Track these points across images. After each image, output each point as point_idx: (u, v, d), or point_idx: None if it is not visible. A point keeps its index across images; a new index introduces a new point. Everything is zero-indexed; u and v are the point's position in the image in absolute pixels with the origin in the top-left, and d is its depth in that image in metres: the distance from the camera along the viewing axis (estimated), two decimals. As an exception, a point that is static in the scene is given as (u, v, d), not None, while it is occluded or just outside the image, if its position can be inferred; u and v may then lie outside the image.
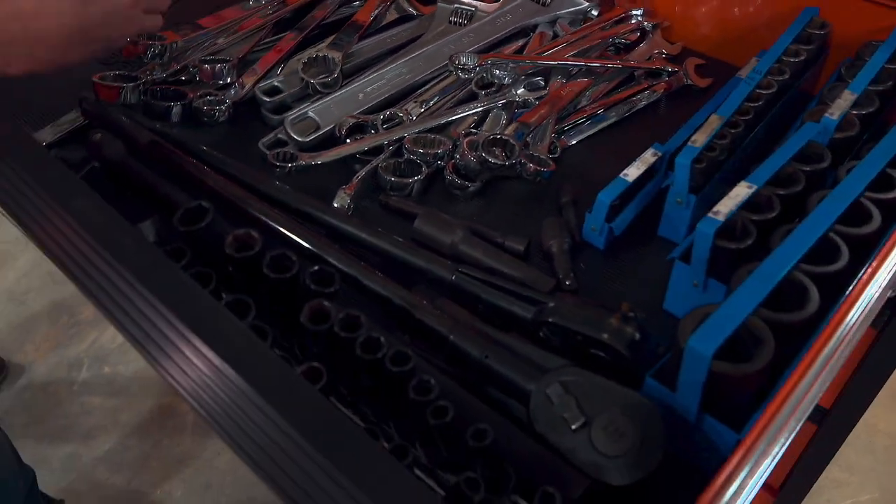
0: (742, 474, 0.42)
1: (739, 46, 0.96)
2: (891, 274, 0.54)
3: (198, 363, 0.44)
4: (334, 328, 0.52)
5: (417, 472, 0.48)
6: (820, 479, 1.63)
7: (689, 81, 0.92)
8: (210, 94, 0.85)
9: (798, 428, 0.55)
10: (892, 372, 1.03)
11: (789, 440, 0.55)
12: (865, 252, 0.58)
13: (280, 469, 0.43)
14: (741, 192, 0.61)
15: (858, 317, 0.50)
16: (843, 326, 0.49)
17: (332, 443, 0.41)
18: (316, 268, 0.56)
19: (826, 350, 0.48)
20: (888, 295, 0.67)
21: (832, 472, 1.69)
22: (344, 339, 0.51)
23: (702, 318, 0.50)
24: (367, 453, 0.41)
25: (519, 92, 0.85)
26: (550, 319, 0.58)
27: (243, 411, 0.42)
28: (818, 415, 1.16)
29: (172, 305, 0.48)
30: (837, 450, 1.17)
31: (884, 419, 1.80)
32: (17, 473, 1.29)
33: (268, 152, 0.77)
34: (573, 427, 0.50)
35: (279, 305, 0.56)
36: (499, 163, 0.73)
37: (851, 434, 1.85)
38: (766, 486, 1.25)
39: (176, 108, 0.85)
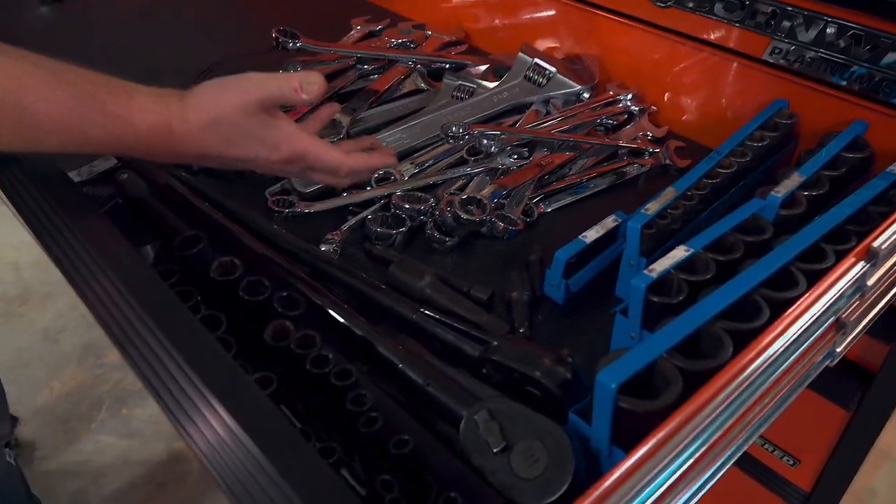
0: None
1: (721, 133, 1.02)
2: (801, 332, 0.59)
3: (160, 354, 0.51)
4: (291, 346, 0.58)
5: (344, 472, 0.53)
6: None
7: (668, 161, 0.99)
8: (228, 147, 0.94)
9: (711, 469, 0.59)
10: (867, 451, 1.03)
11: (705, 483, 0.59)
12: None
13: (218, 455, 0.49)
14: (678, 254, 0.66)
15: (760, 367, 0.55)
16: (743, 374, 0.54)
17: (265, 435, 0.48)
18: (284, 293, 0.63)
19: (723, 394, 0.52)
20: (824, 362, 0.72)
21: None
22: (298, 355, 0.58)
23: (615, 358, 0.55)
24: (296, 448, 0.47)
25: (505, 161, 0.93)
26: (493, 357, 0.64)
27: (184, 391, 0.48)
28: (799, 498, 1.17)
29: (152, 312, 0.56)
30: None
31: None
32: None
33: (269, 198, 0.86)
34: (494, 450, 0.55)
35: (252, 324, 0.63)
36: (471, 219, 0.80)
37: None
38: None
39: (198, 158, 0.95)
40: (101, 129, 0.61)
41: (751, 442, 0.63)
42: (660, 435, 0.48)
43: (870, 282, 0.67)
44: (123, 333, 0.55)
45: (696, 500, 0.59)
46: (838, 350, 0.71)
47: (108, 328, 0.55)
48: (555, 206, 0.91)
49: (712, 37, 0.98)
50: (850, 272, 0.64)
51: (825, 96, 0.92)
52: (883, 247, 0.65)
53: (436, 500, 0.51)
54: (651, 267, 0.65)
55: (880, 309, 0.77)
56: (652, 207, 0.75)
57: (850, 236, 0.71)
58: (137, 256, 0.63)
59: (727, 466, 0.61)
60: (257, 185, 0.92)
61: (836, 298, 0.63)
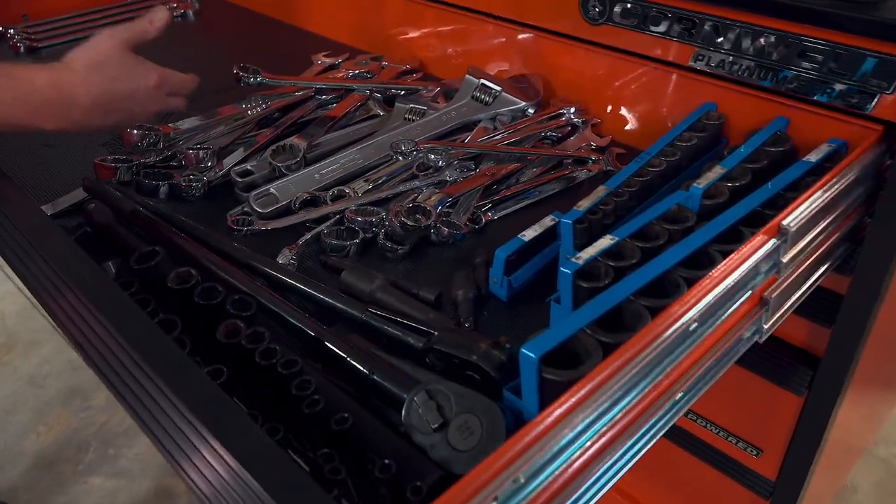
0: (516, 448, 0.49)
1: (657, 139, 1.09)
2: (715, 302, 0.63)
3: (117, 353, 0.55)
4: (242, 342, 0.63)
5: (290, 453, 0.57)
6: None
7: (610, 168, 1.05)
8: (191, 175, 1.00)
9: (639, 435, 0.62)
10: (822, 435, 1.07)
11: (636, 450, 0.62)
12: (707, 291, 0.67)
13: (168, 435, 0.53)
14: (604, 242, 0.71)
15: (675, 333, 0.59)
16: (658, 340, 0.58)
17: (210, 414, 0.52)
18: (236, 296, 0.67)
19: (639, 357, 0.56)
20: (752, 338, 0.76)
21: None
22: (249, 349, 0.62)
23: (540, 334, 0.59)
24: (243, 427, 0.51)
25: (453, 174, 0.98)
26: (435, 346, 0.68)
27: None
28: (766, 488, 1.20)
29: (109, 316, 0.60)
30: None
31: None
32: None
33: (229, 218, 0.91)
34: (433, 426, 0.59)
35: (207, 328, 0.67)
36: (416, 225, 0.85)
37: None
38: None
39: (163, 187, 1.00)
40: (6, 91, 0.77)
41: (681, 411, 0.67)
42: (577, 394, 0.52)
43: (785, 258, 0.72)
44: (83, 335, 0.59)
45: (626, 466, 0.62)
46: (766, 327, 0.75)
47: (69, 333, 0.59)
48: (502, 213, 0.96)
49: (643, 49, 1.04)
50: (762, 248, 0.69)
51: (751, 98, 0.98)
52: (792, 225, 0.71)
53: (372, 470, 0.55)
54: (578, 255, 0.70)
55: (806, 289, 0.82)
56: (584, 204, 0.80)
57: (767, 220, 0.76)
58: (99, 271, 0.67)
59: (657, 435, 0.65)
60: (219, 210, 0.97)
61: (751, 273, 0.68)
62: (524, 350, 0.57)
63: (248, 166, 1.02)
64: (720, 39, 0.95)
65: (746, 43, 0.93)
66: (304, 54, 1.46)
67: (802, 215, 0.72)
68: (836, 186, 0.77)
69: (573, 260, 0.69)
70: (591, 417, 0.54)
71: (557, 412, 0.51)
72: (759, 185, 0.86)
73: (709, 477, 1.25)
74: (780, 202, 0.80)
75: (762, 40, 0.92)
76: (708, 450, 1.24)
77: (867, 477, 1.91)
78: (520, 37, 1.22)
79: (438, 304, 0.81)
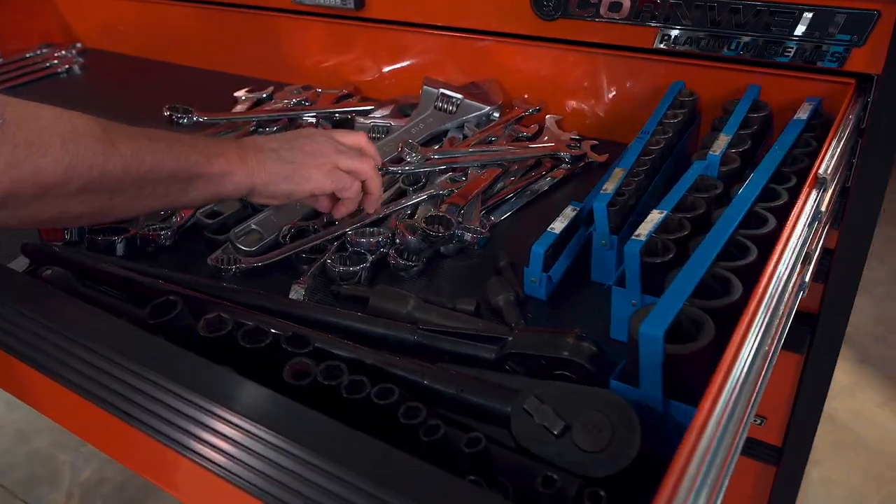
0: (703, 444, 0.45)
1: (624, 127, 1.09)
2: (793, 259, 0.62)
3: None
4: (318, 378, 0.54)
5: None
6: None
7: (590, 159, 1.03)
8: (154, 224, 0.89)
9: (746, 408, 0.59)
10: (826, 390, 1.10)
11: (747, 418, 0.59)
12: (769, 248, 0.66)
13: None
14: (655, 217, 0.69)
15: (775, 292, 0.57)
16: (765, 299, 0.56)
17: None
18: (290, 333, 0.59)
19: (756, 321, 0.54)
20: (800, 293, 0.76)
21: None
22: (328, 386, 0.54)
23: (646, 313, 0.55)
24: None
25: (442, 186, 0.93)
26: (514, 351, 0.62)
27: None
28: (773, 455, 1.21)
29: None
30: (799, 486, 1.21)
31: (835, 471, 1.86)
32: None
33: (210, 261, 0.81)
34: (555, 433, 0.53)
35: (260, 373, 0.58)
36: (440, 235, 0.79)
37: (811, 490, 1.89)
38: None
39: (120, 243, 0.88)
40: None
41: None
42: (723, 374, 0.48)
43: (823, 207, 0.72)
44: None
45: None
46: (807, 280, 0.75)
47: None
48: (504, 216, 0.92)
49: (604, 38, 1.04)
50: (809, 199, 0.69)
51: (717, 70, 0.99)
52: (828, 173, 0.71)
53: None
54: (637, 233, 0.67)
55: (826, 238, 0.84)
56: (609, 187, 0.78)
57: (789, 176, 0.77)
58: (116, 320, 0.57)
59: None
60: (188, 258, 0.87)
61: (809, 225, 0.67)
62: (645, 330, 0.52)
63: (214, 207, 0.93)
64: (683, 16, 0.96)
65: (714, 15, 0.94)
66: (218, 92, 1.37)
67: (831, 164, 0.73)
68: (843, 135, 0.79)
69: (635, 238, 0.66)
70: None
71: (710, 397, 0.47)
72: (754, 148, 0.88)
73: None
74: (791, 159, 0.81)
75: (729, 10, 0.93)
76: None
77: (819, 434, 1.99)
78: (465, 45, 1.19)
79: (479, 314, 0.75)
